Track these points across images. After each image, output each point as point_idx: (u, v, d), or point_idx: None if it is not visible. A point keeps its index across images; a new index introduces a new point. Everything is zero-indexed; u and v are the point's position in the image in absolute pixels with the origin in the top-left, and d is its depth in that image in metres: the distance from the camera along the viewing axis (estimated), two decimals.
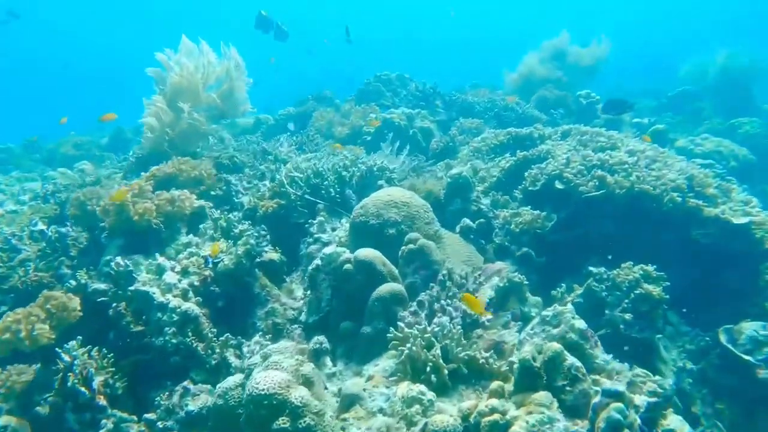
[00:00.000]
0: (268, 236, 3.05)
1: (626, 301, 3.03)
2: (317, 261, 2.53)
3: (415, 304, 2.38)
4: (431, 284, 2.56)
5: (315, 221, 3.15)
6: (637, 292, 3.00)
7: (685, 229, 3.46)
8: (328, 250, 2.50)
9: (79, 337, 2.19)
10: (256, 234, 2.70)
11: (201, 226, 2.90)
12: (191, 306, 2.30)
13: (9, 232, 3.20)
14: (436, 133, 6.00)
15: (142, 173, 3.51)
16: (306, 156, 4.03)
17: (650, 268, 3.07)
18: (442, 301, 2.34)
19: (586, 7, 34.42)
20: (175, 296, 2.32)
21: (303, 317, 2.53)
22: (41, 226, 3.14)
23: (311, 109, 7.44)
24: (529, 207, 3.79)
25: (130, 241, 2.71)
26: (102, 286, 2.50)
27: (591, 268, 3.34)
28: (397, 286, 2.38)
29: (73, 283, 2.56)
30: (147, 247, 2.71)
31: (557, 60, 7.62)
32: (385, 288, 2.34)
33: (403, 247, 2.68)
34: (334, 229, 3.19)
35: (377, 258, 2.44)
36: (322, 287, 2.48)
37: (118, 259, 2.52)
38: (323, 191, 3.33)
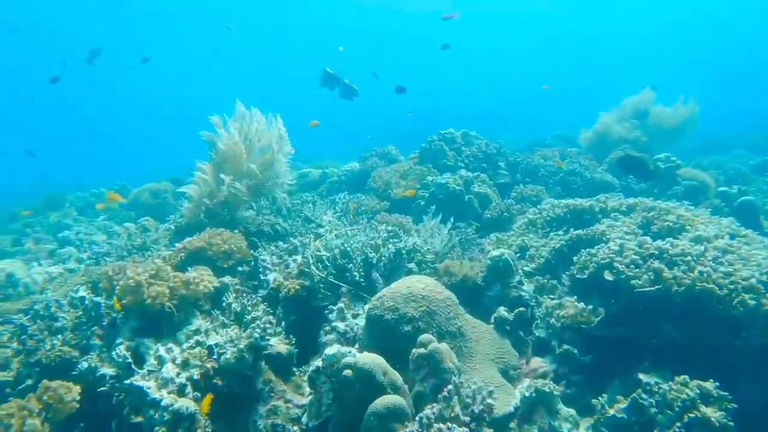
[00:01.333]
0: (283, 322, 3.08)
1: (678, 424, 2.67)
2: (318, 361, 2.50)
3: (416, 421, 2.25)
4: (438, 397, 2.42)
5: (335, 307, 3.15)
6: (692, 415, 2.63)
7: (762, 338, 3.01)
8: (330, 350, 2.46)
9: (81, 424, 2.32)
10: (262, 325, 2.73)
11: (213, 312, 3.01)
12: (185, 403, 2.35)
13: (53, 297, 3.53)
14: (495, 198, 5.84)
15: (177, 244, 3.76)
16: (340, 231, 4.07)
17: (710, 385, 2.69)
18: (442, 425, 2.19)
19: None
20: (170, 392, 2.39)
21: (304, 419, 2.48)
22: (82, 293, 3.42)
23: (373, 167, 7.60)
24: (576, 297, 3.52)
25: (144, 323, 2.85)
26: (110, 371, 2.66)
27: (640, 376, 3.00)
28: (396, 400, 2.27)
29: (84, 365, 2.75)
30: (160, 330, 2.85)
31: (638, 118, 7.17)
32: (381, 402, 2.24)
33: (414, 351, 2.57)
34: (355, 316, 3.15)
35: (378, 366, 2.35)
36: (323, 390, 2.43)
37: (121, 348, 2.67)
38: (348, 274, 3.33)
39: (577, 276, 3.55)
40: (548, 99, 30.61)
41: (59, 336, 3.08)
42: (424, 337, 2.64)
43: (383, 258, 3.45)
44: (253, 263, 3.69)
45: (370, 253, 3.42)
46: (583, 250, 3.68)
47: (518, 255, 4.43)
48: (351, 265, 3.35)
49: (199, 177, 4.17)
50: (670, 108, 7.18)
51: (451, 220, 4.60)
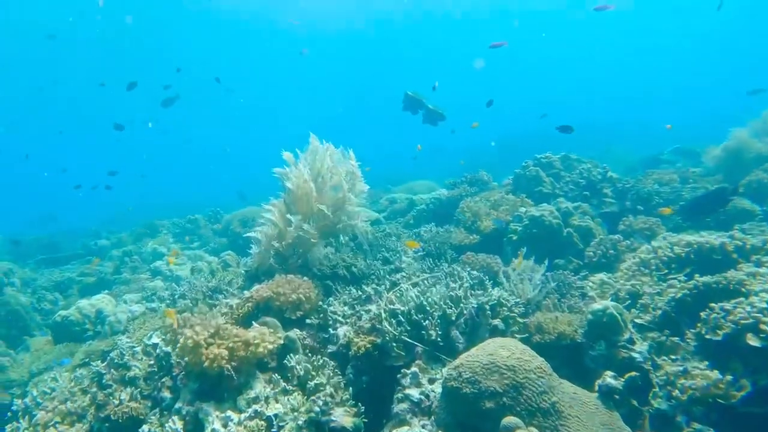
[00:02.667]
0: (351, 388, 2.79)
1: None
2: None
3: None
4: None
5: (409, 371, 2.81)
6: None
7: None
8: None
9: None
10: (323, 398, 2.46)
11: (275, 375, 2.80)
12: None
13: (128, 343, 3.58)
14: (600, 233, 5.16)
15: (245, 292, 3.66)
16: (417, 279, 3.73)
17: None
18: None
19: None
20: None
21: None
22: (155, 340, 3.42)
23: (462, 195, 7.20)
24: (707, 363, 2.86)
25: (205, 386, 2.73)
26: None
27: None
28: None
29: (146, 429, 2.68)
30: (221, 394, 2.70)
31: None
32: None
33: None
34: (432, 381, 2.78)
35: None
36: None
37: (175, 418, 2.54)
38: (424, 332, 2.99)
39: (708, 337, 2.89)
40: (664, 104, 27.95)
41: (129, 389, 3.06)
42: (508, 420, 2.22)
43: (463, 314, 3.06)
44: (323, 315, 3.48)
45: (448, 308, 3.05)
46: (714, 305, 3.01)
47: (628, 303, 3.81)
48: (427, 322, 3.00)
49: (267, 218, 4.09)
50: None
51: (545, 262, 4.08)
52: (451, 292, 3.27)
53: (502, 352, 2.55)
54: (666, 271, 3.94)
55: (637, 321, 3.49)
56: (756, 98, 11.70)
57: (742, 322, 2.71)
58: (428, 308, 3.10)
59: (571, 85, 35.99)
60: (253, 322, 3.27)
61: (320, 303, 3.64)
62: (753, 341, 2.63)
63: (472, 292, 3.28)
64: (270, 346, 2.85)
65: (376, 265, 4.65)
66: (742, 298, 2.92)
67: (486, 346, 2.62)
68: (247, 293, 3.64)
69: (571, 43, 36.17)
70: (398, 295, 3.35)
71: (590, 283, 4.16)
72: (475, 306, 3.05)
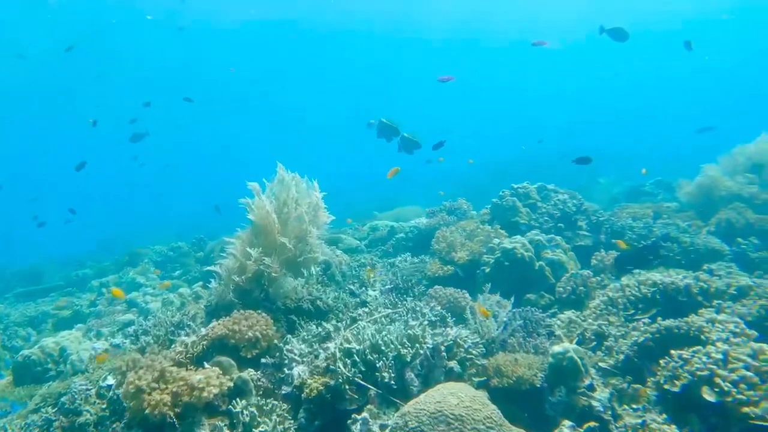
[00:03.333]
0: None
1: None
2: None
3: None
4: None
5: (359, 416, 2.73)
6: None
7: None
8: None
9: None
10: None
11: (217, 423, 2.70)
12: None
13: (81, 386, 3.44)
14: (573, 266, 5.14)
15: (202, 329, 3.56)
16: (377, 316, 3.66)
17: None
18: None
19: None
20: None
21: None
22: (110, 380, 3.30)
23: (441, 224, 7.17)
24: (666, 417, 2.81)
25: None
26: None
27: None
28: None
29: None
30: None
31: (754, 171, 6.10)
32: None
33: None
34: (383, 428, 2.70)
35: None
36: None
37: None
38: (378, 373, 2.91)
39: (666, 387, 2.84)
40: (655, 134, 28.24)
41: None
42: None
43: (419, 354, 2.99)
44: (279, 354, 3.38)
45: (403, 348, 2.98)
46: (673, 352, 2.97)
47: (594, 344, 3.76)
48: (381, 362, 2.93)
49: (229, 251, 4.02)
50: None
51: (512, 299, 4.04)
52: (409, 330, 3.20)
53: (451, 399, 2.48)
54: (632, 311, 3.90)
55: (601, 365, 3.43)
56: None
57: (698, 373, 2.67)
58: (383, 348, 3.03)
59: (561, 115, 36.51)
60: (205, 363, 3.18)
61: (278, 341, 3.55)
62: (708, 396, 2.58)
63: (431, 330, 3.21)
64: (215, 390, 2.75)
65: (343, 298, 4.58)
66: (700, 347, 2.88)
67: (435, 393, 2.55)
68: (203, 330, 3.54)
69: (562, 73, 36.91)
70: (355, 332, 3.27)
71: (558, 321, 4.10)
72: (430, 346, 2.98)
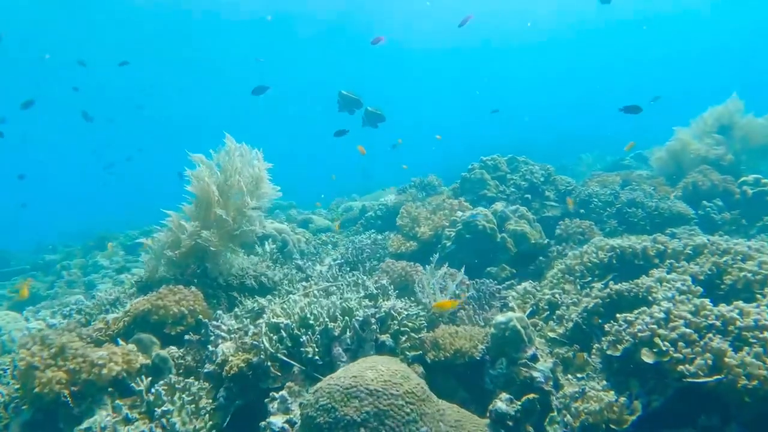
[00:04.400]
0: (217, 416, 2.52)
1: None
2: None
3: None
4: None
5: (278, 394, 2.55)
6: None
7: None
8: None
9: None
10: (170, 423, 2.19)
11: (116, 402, 2.53)
12: None
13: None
14: (536, 238, 4.97)
15: (128, 304, 3.38)
16: (313, 288, 3.48)
17: None
18: None
19: None
20: None
21: None
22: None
23: (409, 200, 6.99)
24: (607, 383, 2.65)
25: (38, 415, 2.45)
26: None
27: None
28: None
29: None
30: (55, 424, 2.42)
31: (722, 133, 5.91)
32: None
33: None
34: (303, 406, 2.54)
35: None
36: None
37: None
38: (303, 349, 2.73)
39: (609, 353, 2.68)
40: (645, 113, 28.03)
41: None
42: None
43: (348, 329, 2.81)
44: (204, 330, 3.19)
45: (331, 322, 2.80)
46: (618, 316, 2.80)
47: (547, 314, 3.60)
48: (305, 337, 2.75)
49: (164, 224, 3.82)
50: (762, 118, 5.81)
51: (461, 270, 3.87)
52: (343, 303, 3.02)
53: (369, 373, 2.30)
54: (589, 278, 3.74)
55: (550, 334, 3.27)
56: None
57: (640, 335, 2.50)
58: (311, 321, 2.85)
59: (551, 99, 36.32)
60: (119, 339, 2.99)
61: (209, 317, 3.36)
62: (647, 357, 2.41)
63: (367, 303, 3.03)
64: (116, 368, 2.56)
65: (291, 274, 4.40)
66: (645, 308, 2.72)
67: (353, 367, 2.37)
68: (126, 307, 3.36)
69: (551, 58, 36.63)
70: (285, 306, 3.09)
71: (513, 293, 3.94)
72: (361, 319, 2.80)
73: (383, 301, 3.09)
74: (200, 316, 3.21)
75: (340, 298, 3.08)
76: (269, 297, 3.47)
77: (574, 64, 37.15)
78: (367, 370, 2.32)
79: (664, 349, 2.36)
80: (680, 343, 2.35)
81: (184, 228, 3.66)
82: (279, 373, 2.74)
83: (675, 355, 2.32)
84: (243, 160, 4.05)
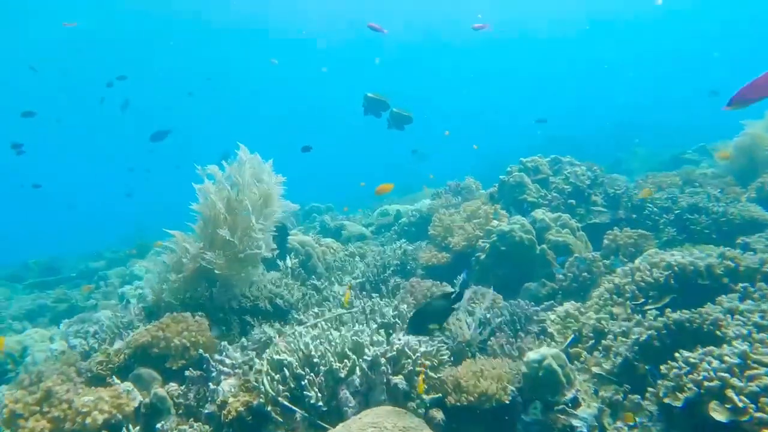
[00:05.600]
0: None
1: None
2: None
3: None
4: None
5: None
6: None
7: None
8: None
9: None
10: None
11: None
12: None
13: None
14: (581, 249, 4.47)
15: (130, 335, 3.17)
16: (326, 317, 3.15)
17: None
18: None
19: None
20: None
21: None
22: None
23: (444, 206, 6.59)
24: None
25: None
26: None
27: None
28: None
29: None
30: None
31: None
32: None
33: None
34: None
35: None
36: None
37: None
38: (306, 392, 2.43)
39: (667, 401, 2.23)
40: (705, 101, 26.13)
41: None
42: None
43: (357, 368, 2.48)
44: (205, 363, 2.95)
45: (336, 362, 2.48)
46: (678, 355, 2.34)
47: (592, 343, 3.15)
48: (307, 379, 2.44)
49: (167, 246, 3.61)
50: None
51: (490, 288, 3.46)
52: (354, 337, 2.70)
53: (387, 423, 1.97)
54: (642, 300, 3.25)
55: (595, 369, 2.83)
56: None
57: (706, 384, 2.04)
58: (316, 360, 2.54)
59: (602, 88, 34.68)
60: (114, 378, 2.79)
61: (213, 349, 3.12)
62: (718, 414, 1.96)
63: (379, 337, 2.68)
64: (100, 417, 2.34)
65: (309, 294, 4.12)
66: (713, 347, 2.24)
67: (353, 425, 2.04)
68: (126, 338, 3.16)
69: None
70: (291, 340, 2.80)
71: (553, 316, 3.49)
72: (369, 358, 2.46)
73: (398, 335, 2.73)
74: (201, 351, 2.96)
75: (352, 331, 2.75)
76: (278, 326, 3.19)
77: (636, 48, 35.29)
78: (369, 426, 1.99)
79: (740, 405, 1.90)
80: (763, 399, 1.89)
81: (187, 250, 3.44)
82: (281, 419, 2.45)
83: (757, 414, 1.86)
84: (253, 173, 3.80)
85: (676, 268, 3.18)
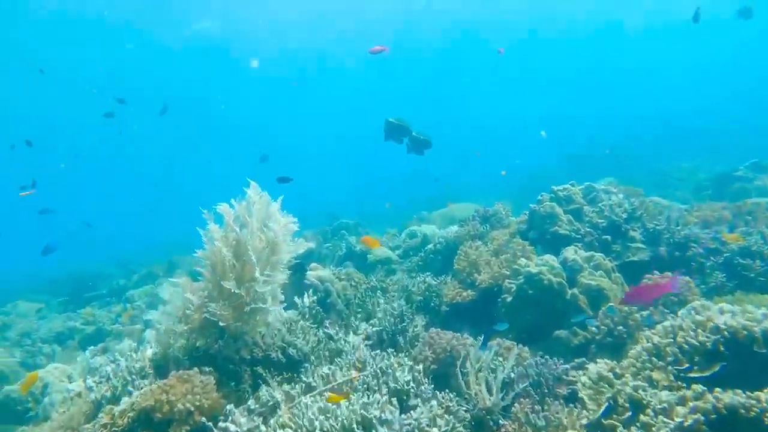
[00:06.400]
0: None
1: None
2: None
3: None
4: None
5: None
6: None
7: None
8: None
9: None
10: None
11: None
12: None
13: None
14: (617, 293, 4.14)
15: (134, 394, 3.04)
16: (336, 382, 2.95)
17: None
18: None
19: None
20: None
21: None
22: None
23: (472, 235, 6.32)
24: None
25: None
26: None
27: None
28: None
29: None
30: None
31: None
32: None
33: None
34: None
35: None
36: None
37: None
38: None
39: None
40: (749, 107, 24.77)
41: None
42: None
43: None
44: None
45: None
46: None
47: (628, 416, 2.84)
48: None
49: (171, 298, 3.50)
50: None
51: (514, 346, 3.19)
52: (363, 411, 2.49)
53: None
54: (687, 365, 2.92)
55: None
56: None
57: None
58: None
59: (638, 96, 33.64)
60: None
61: (220, 409, 2.96)
62: None
63: (389, 413, 2.47)
64: None
65: (324, 342, 3.94)
66: None
67: None
68: (128, 400, 3.04)
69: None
70: (295, 413, 2.61)
71: (584, 378, 3.19)
72: None
73: (409, 415, 2.51)
74: (203, 419, 2.81)
75: (360, 403, 2.54)
76: (286, 388, 3.01)
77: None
78: None
79: None
80: None
81: (191, 301, 3.31)
82: None
83: None
84: (260, 216, 3.65)
85: (725, 333, 2.84)
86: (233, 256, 3.47)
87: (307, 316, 4.64)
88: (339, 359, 3.46)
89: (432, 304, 5.13)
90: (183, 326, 3.36)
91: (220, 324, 3.32)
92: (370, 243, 4.99)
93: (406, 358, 3.44)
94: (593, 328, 3.65)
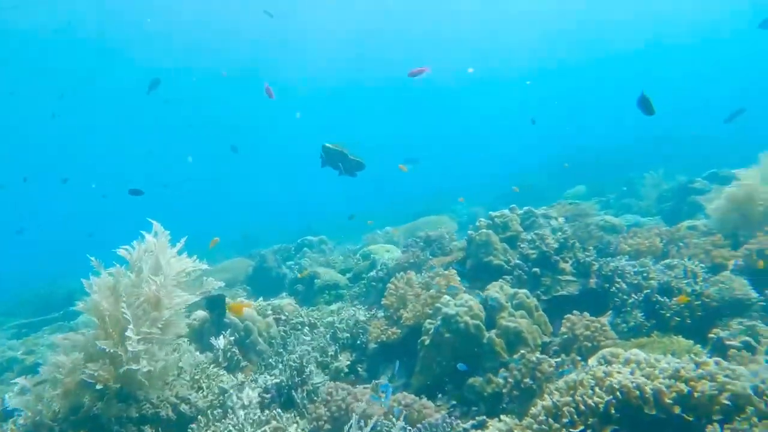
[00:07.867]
0: None
1: None
2: None
3: None
4: None
5: None
6: None
7: None
8: None
9: None
10: None
11: None
12: None
13: None
14: (535, 338, 3.97)
15: None
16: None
17: None
18: None
19: None
20: None
21: None
22: None
23: (411, 262, 6.16)
24: None
25: None
26: None
27: None
28: None
29: None
30: None
31: None
32: None
33: None
34: None
35: None
36: None
37: None
38: None
39: None
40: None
41: None
42: None
43: None
44: None
45: None
46: None
47: None
48: None
49: (50, 360, 3.27)
50: None
51: (435, 394, 3.02)
52: None
53: None
54: (581, 427, 2.76)
55: None
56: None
57: None
58: None
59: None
60: None
61: None
62: None
63: None
64: None
65: (220, 398, 3.74)
66: None
67: None
68: None
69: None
70: None
71: None
72: None
73: None
74: None
75: None
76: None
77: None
78: None
79: None
80: None
81: (63, 364, 3.09)
82: None
83: None
84: (152, 263, 3.45)
85: (618, 393, 2.68)
86: (114, 311, 3.27)
87: (221, 360, 4.45)
88: (227, 420, 3.26)
89: (359, 341, 4.95)
90: (53, 391, 3.14)
91: (97, 387, 3.11)
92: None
93: (299, 418, 3.25)
94: (500, 380, 3.47)
